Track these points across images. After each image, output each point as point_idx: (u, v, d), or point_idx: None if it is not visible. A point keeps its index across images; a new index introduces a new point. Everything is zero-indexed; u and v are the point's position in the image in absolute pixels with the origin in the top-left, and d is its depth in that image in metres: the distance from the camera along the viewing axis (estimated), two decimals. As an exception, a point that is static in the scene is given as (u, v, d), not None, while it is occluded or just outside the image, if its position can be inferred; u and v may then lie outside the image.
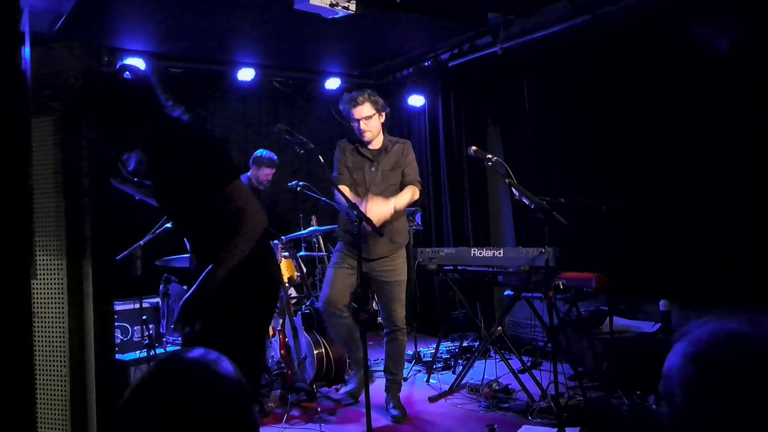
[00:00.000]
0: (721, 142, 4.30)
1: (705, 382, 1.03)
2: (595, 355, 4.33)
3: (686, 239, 4.47)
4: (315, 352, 4.25)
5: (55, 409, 2.11)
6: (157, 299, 5.01)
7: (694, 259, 4.42)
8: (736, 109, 4.19)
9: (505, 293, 4.93)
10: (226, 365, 1.12)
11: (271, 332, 4.52)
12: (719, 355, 1.05)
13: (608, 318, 4.25)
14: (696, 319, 1.13)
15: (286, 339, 4.44)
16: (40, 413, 2.10)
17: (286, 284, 4.62)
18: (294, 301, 4.70)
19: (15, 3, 1.42)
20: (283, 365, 4.41)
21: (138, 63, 5.62)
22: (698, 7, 4.19)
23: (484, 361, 4.65)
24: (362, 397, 3.65)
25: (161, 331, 5.00)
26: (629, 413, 3.83)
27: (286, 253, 4.68)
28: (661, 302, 4.33)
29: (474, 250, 4.37)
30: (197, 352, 1.13)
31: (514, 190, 3.92)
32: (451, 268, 4.52)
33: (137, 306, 4.69)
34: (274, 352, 4.51)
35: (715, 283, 4.28)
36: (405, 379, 4.78)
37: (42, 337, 2.14)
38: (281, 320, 4.56)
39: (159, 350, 4.74)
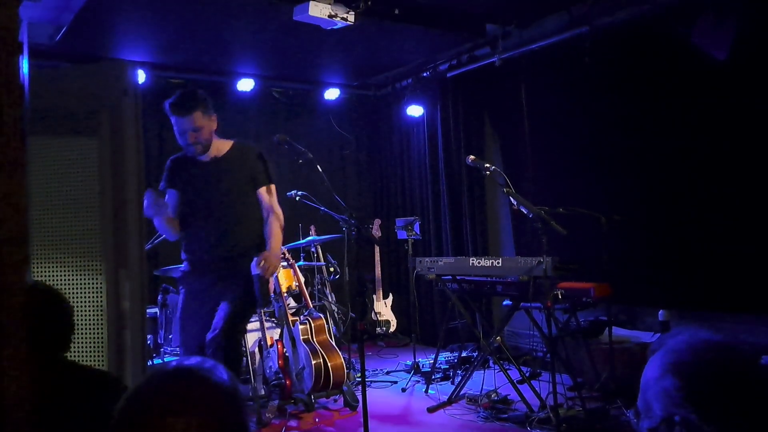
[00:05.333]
0: (719, 151, 4.31)
1: (691, 391, 1.02)
2: (594, 365, 4.32)
3: (685, 248, 4.47)
4: (313, 362, 4.23)
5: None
6: (155, 309, 5.00)
7: (693, 269, 4.42)
8: (734, 117, 4.21)
9: (504, 303, 4.92)
10: (221, 373, 1.12)
11: (269, 342, 4.51)
12: (700, 364, 1.04)
13: (607, 328, 4.24)
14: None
15: (285, 349, 4.43)
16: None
17: (285, 294, 4.61)
18: (292, 311, 4.69)
19: (14, 12, 1.44)
20: (281, 376, 4.40)
21: (138, 74, 5.65)
22: (695, 18, 4.22)
23: (482, 371, 4.62)
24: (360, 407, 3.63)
25: (159, 341, 4.98)
26: (628, 424, 3.81)
27: (285, 263, 4.68)
28: (660, 312, 4.33)
29: (473, 260, 4.35)
30: (193, 361, 1.13)
31: (512, 199, 3.93)
32: (450, 277, 4.51)
33: (135, 316, 4.68)
34: (272, 362, 4.50)
35: (715, 292, 4.28)
36: (404, 390, 4.77)
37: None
38: (279, 330, 4.55)
39: (157, 360, 4.74)
